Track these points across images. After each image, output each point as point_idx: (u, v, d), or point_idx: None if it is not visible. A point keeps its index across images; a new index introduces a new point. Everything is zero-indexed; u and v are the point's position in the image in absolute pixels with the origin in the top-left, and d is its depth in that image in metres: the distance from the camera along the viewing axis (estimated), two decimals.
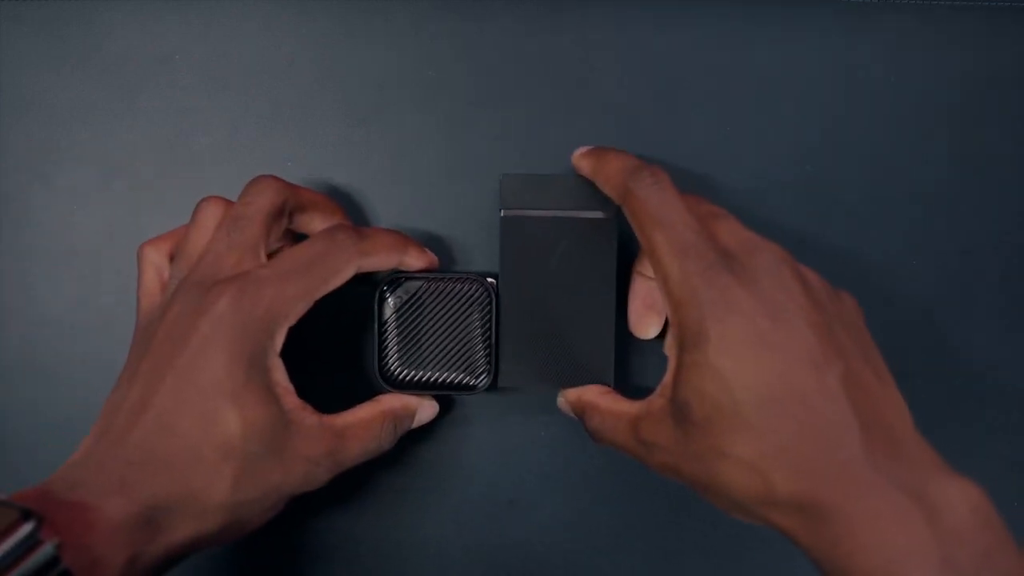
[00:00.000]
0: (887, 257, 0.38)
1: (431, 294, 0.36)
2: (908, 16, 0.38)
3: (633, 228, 0.31)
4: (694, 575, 0.39)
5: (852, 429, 0.26)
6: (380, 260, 0.33)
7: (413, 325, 0.36)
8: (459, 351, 0.36)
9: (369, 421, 0.33)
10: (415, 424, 0.36)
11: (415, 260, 0.35)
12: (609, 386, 0.35)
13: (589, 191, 0.35)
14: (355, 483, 0.38)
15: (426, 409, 0.36)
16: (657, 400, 0.31)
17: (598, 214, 0.35)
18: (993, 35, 0.38)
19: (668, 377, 0.30)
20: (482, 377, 0.36)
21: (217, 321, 0.29)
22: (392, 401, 0.35)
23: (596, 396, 0.34)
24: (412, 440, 0.38)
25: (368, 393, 0.35)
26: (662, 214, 0.30)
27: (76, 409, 0.38)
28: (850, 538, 0.25)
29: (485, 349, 0.36)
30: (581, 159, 0.35)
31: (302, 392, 0.31)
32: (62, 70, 0.39)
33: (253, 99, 0.39)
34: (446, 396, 0.38)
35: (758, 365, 0.27)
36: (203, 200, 0.33)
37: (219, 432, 0.29)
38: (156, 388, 0.29)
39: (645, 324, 0.35)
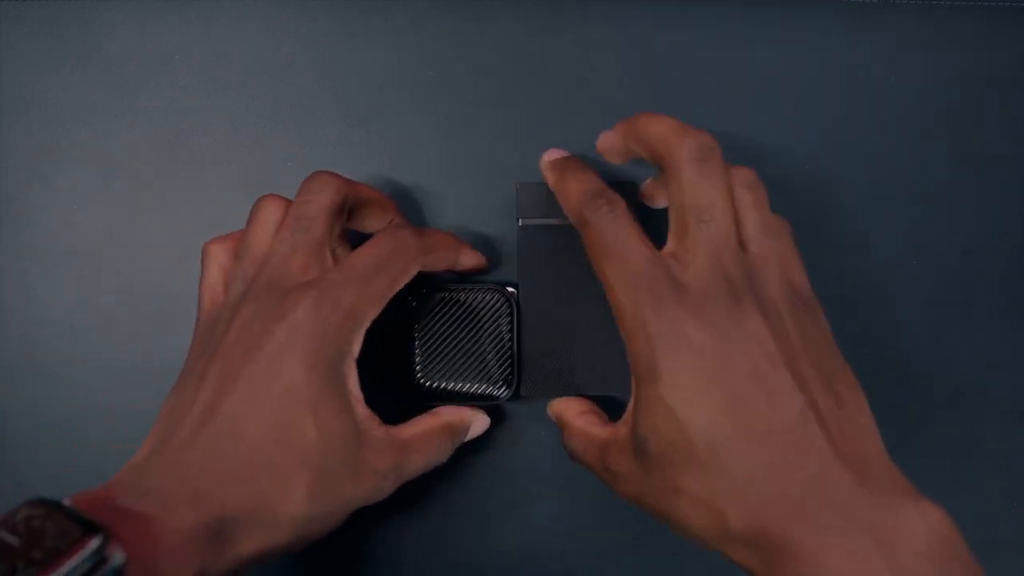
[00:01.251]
0: (887, 257, 0.38)
1: (453, 305, 0.36)
2: (908, 16, 0.38)
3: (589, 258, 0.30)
4: None
5: (808, 464, 0.26)
6: (439, 259, 0.33)
7: (436, 336, 0.36)
8: (481, 361, 0.36)
9: (430, 434, 0.33)
10: (468, 437, 0.35)
11: (468, 259, 0.35)
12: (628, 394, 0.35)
13: None
14: None
15: (480, 422, 0.36)
16: (622, 428, 0.30)
17: None
18: (993, 35, 0.38)
19: (629, 407, 0.30)
20: (503, 388, 0.36)
21: (295, 328, 0.28)
22: (450, 415, 0.34)
23: (574, 416, 0.34)
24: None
25: (396, 406, 0.34)
26: (615, 245, 0.29)
27: (76, 409, 0.38)
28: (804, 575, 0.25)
29: (507, 359, 0.36)
30: (546, 169, 0.34)
31: None
32: (62, 70, 0.39)
33: (253, 99, 0.39)
34: None
35: (709, 402, 0.26)
36: (261, 199, 0.32)
37: (295, 442, 0.28)
38: (227, 393, 0.28)
39: None
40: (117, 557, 0.23)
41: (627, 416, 0.30)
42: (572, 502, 0.39)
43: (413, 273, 0.32)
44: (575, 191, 0.31)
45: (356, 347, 0.30)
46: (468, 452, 0.39)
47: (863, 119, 0.38)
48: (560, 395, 0.36)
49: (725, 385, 0.26)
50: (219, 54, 0.38)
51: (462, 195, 0.38)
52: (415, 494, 0.39)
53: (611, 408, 0.35)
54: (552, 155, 0.34)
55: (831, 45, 0.38)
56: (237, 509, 0.27)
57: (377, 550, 0.39)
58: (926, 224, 0.38)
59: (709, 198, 0.29)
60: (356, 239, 0.34)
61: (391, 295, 0.31)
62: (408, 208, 0.38)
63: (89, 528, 0.23)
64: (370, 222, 0.34)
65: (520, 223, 0.36)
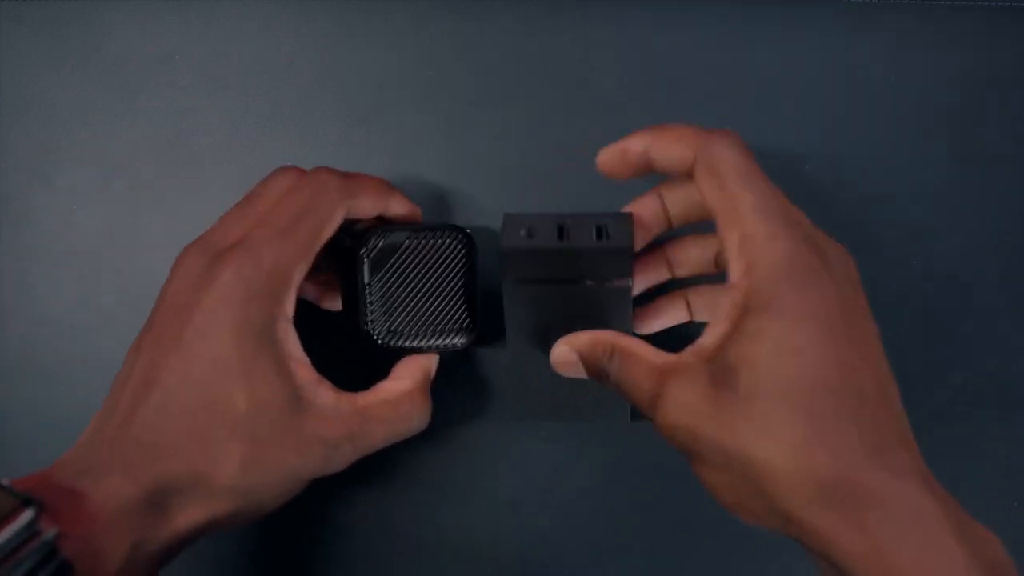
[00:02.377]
0: (887, 257, 0.38)
1: (410, 251, 0.33)
2: (908, 16, 0.38)
3: (703, 186, 0.29)
4: None
5: (907, 442, 0.26)
6: (366, 203, 0.32)
7: (390, 285, 0.34)
8: (438, 309, 0.34)
9: (393, 402, 0.32)
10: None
11: (399, 206, 0.33)
12: (625, 422, 0.35)
13: (603, 259, 0.31)
14: (355, 483, 0.38)
15: (434, 362, 0.35)
16: (688, 358, 0.28)
17: (613, 280, 0.31)
18: (993, 35, 0.38)
19: (710, 340, 0.28)
20: (460, 336, 0.34)
21: (220, 293, 0.28)
22: (414, 373, 0.33)
23: (616, 336, 0.31)
24: (411, 440, 0.38)
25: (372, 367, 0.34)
26: (751, 175, 0.28)
27: (76, 409, 0.38)
28: (904, 538, 0.24)
29: (465, 305, 0.34)
30: (627, 140, 0.31)
31: (321, 367, 0.30)
32: (62, 70, 0.39)
33: (253, 99, 0.38)
34: (445, 398, 0.38)
35: (830, 351, 0.26)
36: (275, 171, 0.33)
37: (225, 411, 0.28)
38: (160, 365, 0.28)
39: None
40: (50, 530, 0.24)
41: (698, 350, 0.28)
42: (571, 502, 0.39)
43: (338, 219, 0.31)
44: (684, 128, 0.30)
45: (288, 307, 0.29)
46: (467, 452, 0.39)
47: (863, 119, 0.38)
48: (554, 420, 0.35)
49: (845, 343, 0.26)
50: (219, 54, 0.38)
51: (462, 195, 0.38)
52: (414, 494, 0.39)
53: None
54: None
55: (831, 45, 0.38)
56: (171, 480, 0.27)
57: (376, 550, 0.39)
58: (926, 224, 0.38)
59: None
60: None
61: (317, 245, 0.30)
62: None
63: (23, 503, 0.24)
64: (364, 209, 0.33)
65: (504, 278, 0.32)
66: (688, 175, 0.30)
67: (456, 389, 0.38)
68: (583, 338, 0.31)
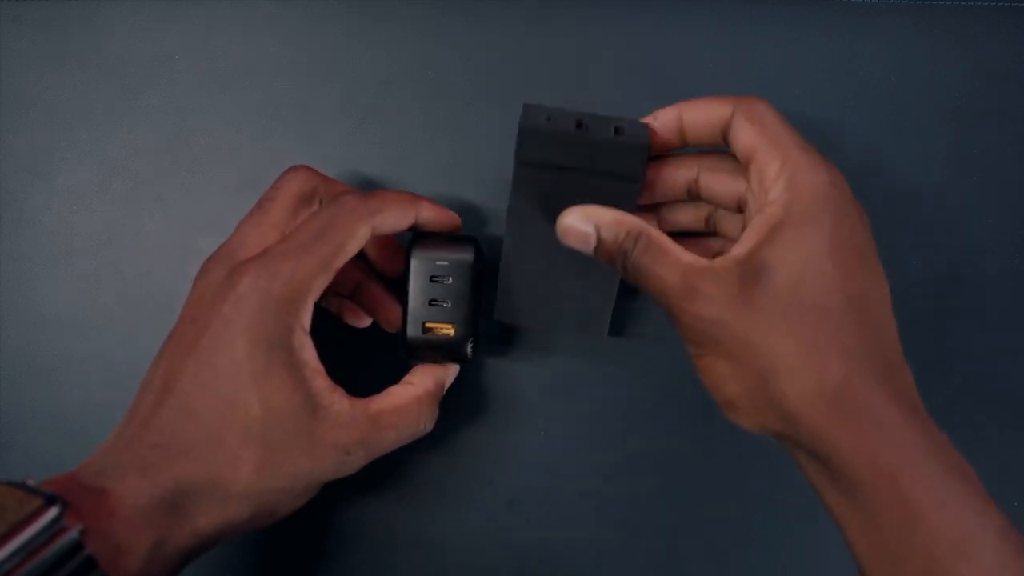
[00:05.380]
0: (887, 257, 0.38)
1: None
2: (908, 16, 0.38)
3: (741, 132, 0.30)
4: None
5: (907, 372, 0.28)
6: (392, 217, 0.32)
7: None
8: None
9: (405, 406, 0.32)
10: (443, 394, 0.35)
11: (429, 213, 0.33)
12: (601, 337, 0.35)
13: (617, 154, 0.31)
14: (355, 483, 0.38)
15: (452, 373, 0.35)
16: (720, 261, 0.29)
17: (623, 181, 0.32)
18: (993, 35, 0.38)
19: (742, 249, 0.29)
20: (467, 348, 0.34)
21: (237, 302, 0.29)
22: (425, 381, 0.34)
23: (646, 225, 0.30)
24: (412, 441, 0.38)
25: (400, 371, 0.34)
26: (788, 125, 0.30)
27: (76, 409, 0.38)
28: (897, 446, 0.26)
29: (469, 319, 0.34)
30: (667, 110, 0.32)
31: (335, 374, 0.31)
32: (62, 70, 0.39)
33: (253, 99, 0.39)
34: (446, 397, 0.38)
35: (857, 273, 0.28)
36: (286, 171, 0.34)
37: (239, 416, 0.29)
38: (178, 371, 0.29)
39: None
40: (75, 527, 0.25)
41: (729, 258, 0.29)
42: (571, 503, 0.39)
43: (362, 237, 0.31)
44: (718, 97, 0.32)
45: (305, 318, 0.30)
46: (467, 452, 0.39)
47: (863, 119, 0.38)
48: (532, 326, 0.35)
49: (869, 263, 0.29)
50: (219, 54, 0.38)
51: (462, 195, 0.38)
52: (415, 494, 0.39)
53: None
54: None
55: (831, 45, 0.38)
56: (189, 482, 0.28)
57: (376, 550, 0.39)
58: (926, 224, 0.38)
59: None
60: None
61: (339, 262, 0.31)
62: None
63: (49, 502, 0.25)
64: None
65: (517, 156, 0.32)
66: (722, 129, 0.31)
67: (457, 392, 0.38)
68: (607, 215, 0.30)
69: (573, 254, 0.31)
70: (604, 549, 0.39)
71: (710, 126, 0.32)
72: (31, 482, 0.26)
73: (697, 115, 0.32)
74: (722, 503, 0.38)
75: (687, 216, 0.36)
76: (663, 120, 0.32)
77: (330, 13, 0.38)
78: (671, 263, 0.29)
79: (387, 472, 0.38)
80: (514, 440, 0.39)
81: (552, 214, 0.31)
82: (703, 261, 0.29)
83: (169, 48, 0.39)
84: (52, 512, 0.25)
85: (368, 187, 0.38)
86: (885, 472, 0.26)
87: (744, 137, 0.30)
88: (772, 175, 0.29)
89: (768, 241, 0.28)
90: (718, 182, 0.33)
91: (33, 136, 0.39)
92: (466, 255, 0.34)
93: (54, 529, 0.25)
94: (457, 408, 0.39)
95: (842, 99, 0.38)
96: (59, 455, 0.30)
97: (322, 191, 0.33)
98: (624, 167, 0.31)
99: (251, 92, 0.38)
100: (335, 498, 0.38)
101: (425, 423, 0.33)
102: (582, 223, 0.30)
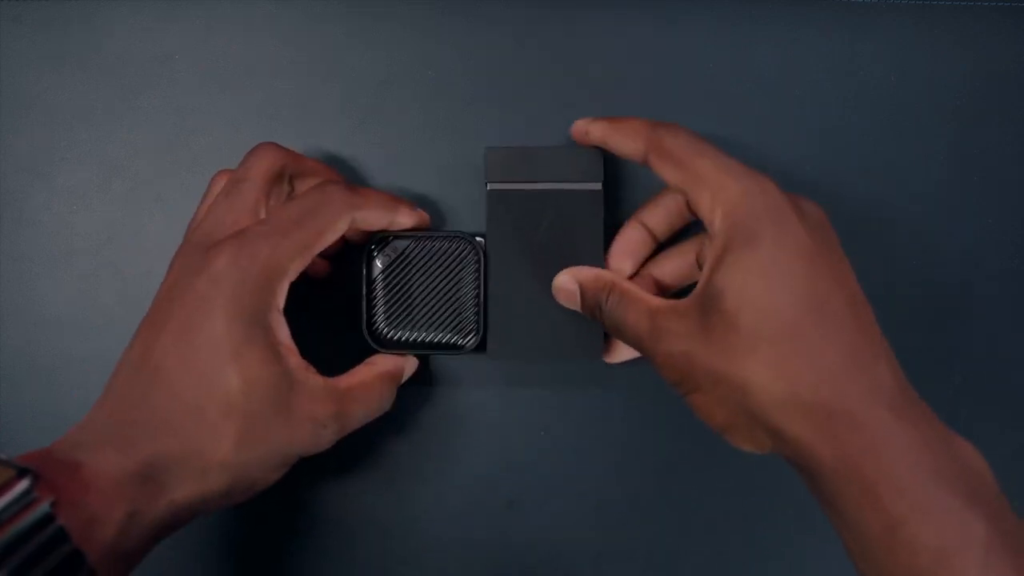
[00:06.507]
0: (888, 257, 0.38)
1: (419, 253, 0.36)
2: (908, 16, 0.38)
3: (663, 171, 0.31)
4: None
5: (882, 363, 0.27)
6: (372, 215, 0.33)
7: (401, 284, 0.36)
8: (447, 310, 0.36)
9: (370, 383, 0.33)
10: (402, 380, 0.36)
11: (406, 218, 0.35)
12: (598, 358, 0.36)
13: (576, 162, 0.35)
14: (355, 483, 0.38)
15: (411, 365, 0.36)
16: (683, 300, 0.31)
17: (586, 186, 0.35)
18: (993, 35, 0.38)
19: (700, 283, 0.30)
20: (470, 337, 0.36)
21: (215, 279, 0.29)
22: (386, 363, 0.35)
23: (616, 277, 0.34)
24: (412, 440, 0.38)
25: (362, 355, 0.35)
26: (703, 148, 0.30)
27: (76, 409, 0.38)
28: (874, 453, 0.26)
29: (474, 308, 0.36)
30: (590, 124, 0.34)
31: (303, 353, 0.31)
32: (62, 70, 0.39)
33: (253, 99, 0.39)
34: (446, 397, 0.38)
35: (805, 275, 0.28)
36: (214, 175, 0.34)
37: (219, 390, 0.29)
38: (154, 346, 0.29)
39: (619, 264, 0.35)
40: (47, 499, 0.25)
41: (692, 293, 0.30)
42: (571, 503, 0.39)
43: (341, 227, 0.32)
44: (636, 122, 0.32)
45: (280, 298, 0.30)
46: (467, 452, 0.39)
47: (863, 119, 0.38)
48: (527, 357, 0.36)
49: (819, 269, 0.28)
50: (219, 54, 0.38)
51: (462, 195, 0.38)
52: (415, 494, 0.39)
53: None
54: (587, 119, 0.34)
55: (831, 45, 0.38)
56: (165, 455, 0.28)
57: (377, 550, 0.39)
58: (926, 224, 0.38)
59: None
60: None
61: (317, 247, 0.31)
62: None
63: (20, 474, 0.25)
64: None
65: (488, 187, 0.35)
66: (643, 163, 0.32)
67: (457, 392, 0.38)
68: (587, 273, 0.34)
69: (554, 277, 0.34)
70: (604, 549, 0.39)
71: (633, 158, 0.32)
72: (2, 456, 0.26)
73: (620, 148, 0.33)
74: (722, 503, 0.38)
75: (674, 264, 0.36)
76: (629, 236, 0.35)
77: (330, 13, 0.38)
78: (641, 309, 0.31)
79: (387, 472, 0.38)
80: (514, 440, 0.39)
81: (528, 235, 0.35)
82: (669, 302, 0.31)
83: (169, 48, 0.38)
84: (23, 484, 0.25)
85: (368, 186, 0.38)
86: (865, 482, 0.26)
87: (667, 177, 0.31)
88: (707, 209, 0.30)
89: (716, 269, 0.29)
90: (669, 259, 0.36)
91: (33, 136, 0.39)
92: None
93: (25, 501, 0.25)
94: (457, 408, 0.39)
95: (842, 99, 0.38)
96: None
97: (291, 167, 0.33)
98: (584, 173, 0.35)
99: (251, 92, 0.38)
100: (333, 497, 0.38)
101: (385, 400, 0.34)
102: (569, 282, 0.34)
